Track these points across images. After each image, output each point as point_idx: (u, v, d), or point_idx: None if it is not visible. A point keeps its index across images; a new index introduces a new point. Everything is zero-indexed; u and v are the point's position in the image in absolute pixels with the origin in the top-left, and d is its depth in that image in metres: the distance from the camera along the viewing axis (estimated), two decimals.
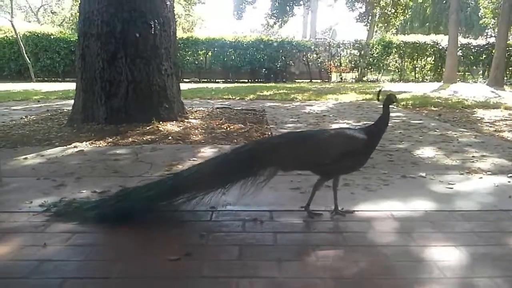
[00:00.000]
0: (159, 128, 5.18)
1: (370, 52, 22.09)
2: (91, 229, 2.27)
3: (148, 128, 5.17)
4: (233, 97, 10.56)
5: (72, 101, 6.08)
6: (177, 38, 6.33)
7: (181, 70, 17.81)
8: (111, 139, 4.67)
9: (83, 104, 5.60)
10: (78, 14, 5.97)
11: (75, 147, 4.33)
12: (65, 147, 4.33)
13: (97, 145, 4.43)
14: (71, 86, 6.81)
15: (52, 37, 19.49)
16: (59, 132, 5.18)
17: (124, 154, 4.00)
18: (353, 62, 22.68)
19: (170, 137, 4.76)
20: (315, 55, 21.81)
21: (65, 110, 7.09)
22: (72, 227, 2.26)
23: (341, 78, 22.45)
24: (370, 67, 22.85)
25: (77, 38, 5.91)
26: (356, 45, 22.59)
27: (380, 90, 2.72)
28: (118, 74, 5.42)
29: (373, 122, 2.51)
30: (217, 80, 20.41)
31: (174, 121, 5.63)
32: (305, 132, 2.65)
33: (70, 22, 34.41)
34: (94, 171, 3.40)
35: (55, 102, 9.08)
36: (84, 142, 4.55)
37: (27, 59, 18.30)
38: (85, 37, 5.55)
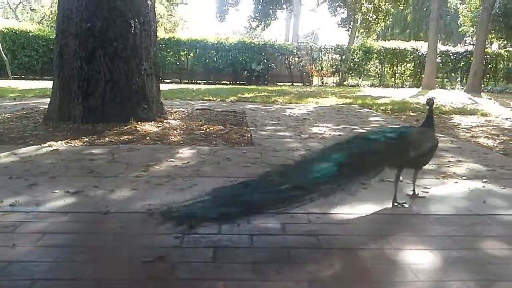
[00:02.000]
0: (137, 128, 5.11)
1: (351, 57, 22.31)
2: (62, 229, 2.22)
3: (125, 128, 5.10)
4: (214, 99, 10.52)
5: (49, 100, 5.96)
6: (159, 38, 6.27)
7: (162, 70, 17.71)
8: (87, 139, 4.58)
9: (59, 103, 5.49)
10: (57, 11, 5.86)
11: (50, 146, 4.23)
12: (39, 146, 4.23)
13: (73, 145, 4.35)
14: (49, 84, 6.66)
15: (30, 34, 19.09)
16: (34, 130, 5.06)
17: (100, 154, 3.92)
18: (334, 67, 22.86)
19: (148, 138, 4.71)
20: (297, 59, 21.91)
21: (41, 108, 6.95)
22: (43, 228, 2.21)
23: (322, 82, 22.59)
24: (351, 72, 23.06)
25: (55, 35, 5.80)
26: (338, 49, 22.77)
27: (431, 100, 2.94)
28: (96, 73, 5.33)
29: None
30: (198, 81, 20.32)
31: (153, 122, 5.56)
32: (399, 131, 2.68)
33: (50, 19, 33.79)
34: (69, 171, 3.33)
35: (31, 100, 8.90)
36: (60, 141, 4.45)
37: (4, 56, 17.88)
38: (63, 35, 5.44)
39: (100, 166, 3.49)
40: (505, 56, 22.84)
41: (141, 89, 5.60)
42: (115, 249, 2.03)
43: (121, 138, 4.66)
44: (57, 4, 6.02)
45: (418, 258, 1.96)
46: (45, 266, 1.84)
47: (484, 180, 3.32)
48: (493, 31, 23.61)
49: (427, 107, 2.90)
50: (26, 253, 1.94)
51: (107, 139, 4.62)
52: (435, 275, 1.82)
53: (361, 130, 5.93)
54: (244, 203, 2.03)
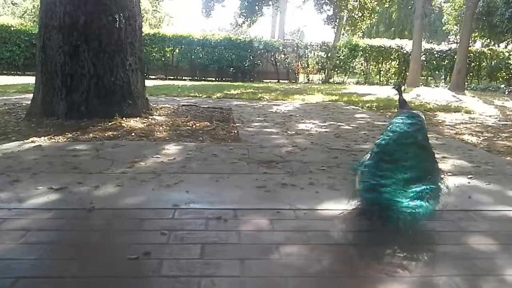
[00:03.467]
0: (122, 124, 5.04)
1: (336, 54, 22.40)
2: (46, 226, 2.17)
3: (110, 124, 5.03)
4: (200, 95, 10.46)
5: (31, 95, 5.86)
6: (144, 34, 6.20)
7: (147, 66, 17.57)
8: (71, 135, 4.51)
9: (42, 98, 5.39)
10: (40, 5, 5.75)
11: (32, 142, 4.15)
12: (22, 142, 4.15)
13: (56, 141, 4.27)
14: (31, 80, 6.57)
15: (12, 29, 18.78)
16: (17, 126, 4.97)
17: (84, 150, 3.86)
18: (320, 64, 22.91)
19: (133, 134, 4.65)
20: (283, 56, 21.92)
21: (24, 104, 6.82)
22: (26, 225, 2.16)
23: (308, 79, 22.67)
24: (336, 69, 23.17)
25: (38, 30, 5.69)
26: (323, 47, 22.85)
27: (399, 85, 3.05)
28: (80, 68, 5.25)
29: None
30: (184, 78, 20.21)
31: (138, 118, 5.50)
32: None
33: (32, 14, 33.25)
34: (52, 167, 3.26)
35: (13, 96, 8.73)
36: (43, 137, 4.37)
37: None
38: (46, 29, 5.34)
39: (85, 162, 3.44)
40: (488, 54, 23.15)
41: (126, 84, 5.53)
42: (100, 246, 2.00)
43: (106, 134, 4.59)
44: None
45: (406, 253, 1.96)
46: (28, 264, 1.80)
47: (469, 176, 3.36)
48: (476, 30, 23.89)
49: (396, 91, 2.96)
50: (9, 250, 1.90)
51: (91, 135, 4.55)
52: (423, 270, 1.83)
53: (347, 127, 5.95)
54: None
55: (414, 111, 2.73)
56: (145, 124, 5.25)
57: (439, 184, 2.26)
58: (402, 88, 2.98)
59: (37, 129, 4.77)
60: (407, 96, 13.11)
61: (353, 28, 26.47)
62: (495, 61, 22.83)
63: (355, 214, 2.21)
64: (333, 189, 2.91)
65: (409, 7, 37.13)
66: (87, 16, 5.23)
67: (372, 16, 26.87)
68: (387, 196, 2.09)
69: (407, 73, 21.14)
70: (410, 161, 2.26)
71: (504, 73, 22.56)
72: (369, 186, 2.16)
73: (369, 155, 2.39)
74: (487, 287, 1.71)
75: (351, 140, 4.88)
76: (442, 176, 2.39)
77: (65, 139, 4.34)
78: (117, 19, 5.38)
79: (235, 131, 5.19)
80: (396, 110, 8.37)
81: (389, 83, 22.13)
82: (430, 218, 2.15)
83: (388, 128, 2.53)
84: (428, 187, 2.14)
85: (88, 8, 5.23)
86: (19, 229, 2.11)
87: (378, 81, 22.83)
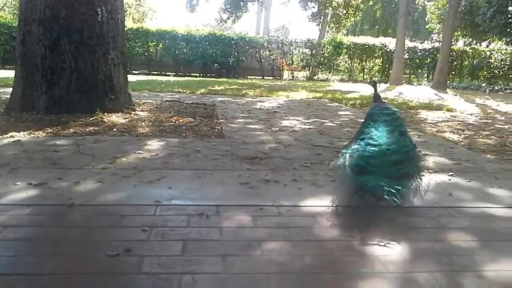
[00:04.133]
0: (104, 120, 4.97)
1: (321, 51, 22.47)
2: (24, 222, 2.13)
3: (91, 119, 4.95)
4: (184, 91, 10.39)
5: (11, 90, 5.74)
6: (127, 28, 6.12)
7: (130, 61, 17.37)
8: (51, 130, 4.43)
9: (22, 93, 5.29)
10: None
11: (11, 137, 4.07)
12: (1, 136, 4.06)
13: (36, 136, 4.19)
14: (11, 73, 6.44)
15: None
16: None
17: (65, 145, 3.80)
18: (304, 61, 22.97)
19: (115, 129, 4.59)
20: (267, 52, 21.90)
21: (2, 98, 6.69)
22: (3, 221, 2.11)
23: (292, 76, 22.70)
24: (321, 66, 23.23)
25: (18, 23, 5.57)
26: (308, 44, 22.88)
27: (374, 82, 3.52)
28: (60, 62, 5.16)
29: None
30: (167, 73, 20.02)
31: (120, 113, 5.43)
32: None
33: (12, 6, 32.57)
34: (31, 162, 3.20)
35: None
36: (22, 132, 4.29)
37: None
38: (26, 22, 5.23)
39: (65, 158, 3.38)
40: (470, 53, 23.46)
41: (108, 79, 5.46)
42: (79, 242, 1.96)
43: (87, 129, 4.52)
44: None
45: (386, 250, 1.97)
46: (5, 261, 1.77)
47: (450, 173, 3.39)
48: (459, 29, 24.23)
49: (372, 87, 3.28)
50: None
51: (72, 130, 4.48)
52: (403, 266, 1.84)
53: (331, 124, 5.97)
54: None
55: (388, 105, 3.06)
56: (127, 119, 5.19)
57: (419, 165, 2.57)
58: (378, 85, 3.37)
59: (16, 124, 4.67)
60: (390, 94, 13.30)
61: (337, 25, 26.60)
62: (477, 60, 23.16)
63: (348, 194, 2.44)
64: (316, 185, 2.91)
65: (393, 5, 37.47)
66: (68, 9, 5.13)
67: (357, 13, 27.06)
68: (376, 176, 2.33)
69: (391, 71, 21.31)
70: (393, 145, 2.52)
71: (485, 72, 22.91)
72: (359, 168, 2.38)
73: (354, 141, 2.64)
74: (466, 282, 1.72)
75: (335, 137, 4.90)
76: (421, 158, 2.70)
77: (45, 134, 4.26)
78: (99, 13, 5.29)
79: (219, 127, 5.16)
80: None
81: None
82: (413, 195, 2.44)
83: (368, 118, 2.80)
84: (410, 169, 2.45)
85: (69, 1, 5.13)
86: None
87: (362, 79, 22.98)
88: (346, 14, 25.22)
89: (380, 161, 2.41)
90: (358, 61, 23.28)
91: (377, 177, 2.32)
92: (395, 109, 2.88)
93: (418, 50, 23.22)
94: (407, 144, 2.59)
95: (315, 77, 22.73)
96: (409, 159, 2.50)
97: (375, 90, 3.20)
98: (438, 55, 19.83)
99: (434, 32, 34.75)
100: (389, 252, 1.95)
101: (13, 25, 17.20)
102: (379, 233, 2.17)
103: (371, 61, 23.33)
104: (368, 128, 2.66)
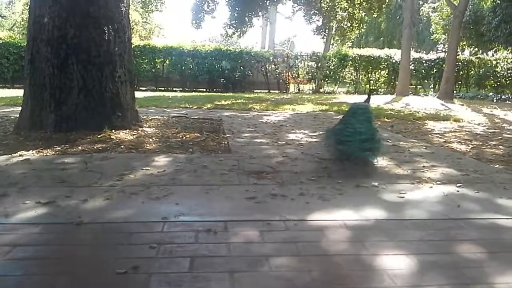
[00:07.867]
0: (111, 137, 5.01)
1: (326, 64, 22.54)
2: (33, 241, 2.15)
3: (99, 136, 4.99)
4: (190, 106, 10.45)
5: (20, 108, 5.81)
6: (134, 45, 6.19)
7: (137, 78, 17.52)
8: (59, 148, 4.47)
9: (31, 111, 5.35)
10: (28, 18, 5.73)
11: (20, 155, 4.11)
12: (10, 155, 4.10)
13: (44, 154, 4.23)
14: (20, 92, 6.53)
15: (1, 41, 18.68)
16: (4, 140, 4.92)
17: (73, 163, 3.83)
18: (310, 74, 23.04)
19: (122, 146, 4.62)
20: (273, 66, 22.01)
21: (12, 117, 6.77)
22: (13, 240, 2.13)
23: (298, 89, 22.77)
24: (326, 79, 23.30)
25: (26, 43, 5.66)
26: (313, 57, 22.97)
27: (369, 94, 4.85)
28: (68, 81, 5.23)
29: None
30: (174, 89, 20.15)
31: (128, 130, 5.46)
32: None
33: (21, 26, 33.05)
34: (40, 181, 3.23)
35: (1, 109, 8.66)
36: (31, 150, 4.33)
37: None
38: (34, 42, 5.32)
39: (73, 176, 3.41)
40: (476, 62, 23.37)
41: (115, 96, 5.52)
42: (87, 260, 1.97)
43: (95, 147, 4.56)
44: (28, 10, 5.88)
45: (395, 263, 1.96)
46: (15, 280, 1.78)
47: (458, 184, 3.37)
48: (464, 38, 24.17)
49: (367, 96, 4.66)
50: None
51: (80, 147, 4.52)
52: (412, 280, 1.83)
53: None
54: None
55: (362, 103, 4.52)
56: (134, 136, 5.22)
57: (379, 140, 4.00)
58: (371, 97, 4.79)
59: (25, 143, 4.72)
60: (396, 105, 13.33)
61: (342, 38, 26.66)
62: (483, 69, 23.05)
63: (334, 159, 3.96)
64: (323, 199, 2.91)
65: (397, 17, 37.62)
66: (76, 29, 5.22)
67: (361, 26, 27.07)
68: (351, 146, 3.72)
69: (397, 82, 21.30)
70: (363, 128, 3.87)
71: (492, 81, 22.78)
72: (340, 141, 3.83)
73: (337, 126, 4.21)
74: None
75: None
76: (379, 134, 4.12)
77: (53, 152, 4.30)
78: (106, 32, 5.37)
79: (226, 142, 5.18)
80: (386, 120, 8.48)
81: (378, 93, 22.30)
82: (376, 155, 3.83)
83: (349, 112, 4.34)
84: (375, 145, 3.85)
85: (76, 21, 5.22)
86: (6, 244, 2.08)
87: (368, 91, 22.94)
88: (351, 27, 25.25)
89: (352, 138, 3.74)
90: (364, 73, 23.31)
91: (350, 147, 3.73)
92: (367, 106, 4.38)
93: (423, 61, 23.22)
94: (372, 128, 3.97)
95: (321, 90, 22.77)
96: (373, 138, 3.87)
97: (367, 99, 4.58)
98: (444, 66, 19.79)
99: (439, 42, 34.77)
100: (398, 265, 1.94)
101: (22, 45, 17.47)
102: (387, 247, 2.16)
103: (377, 73, 23.34)
104: (348, 118, 4.15)
